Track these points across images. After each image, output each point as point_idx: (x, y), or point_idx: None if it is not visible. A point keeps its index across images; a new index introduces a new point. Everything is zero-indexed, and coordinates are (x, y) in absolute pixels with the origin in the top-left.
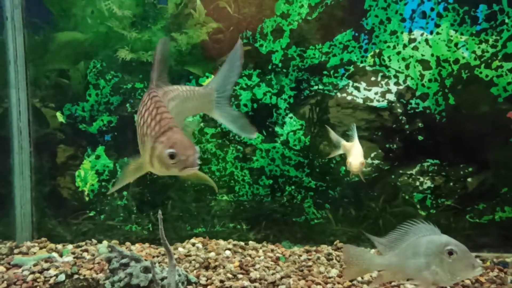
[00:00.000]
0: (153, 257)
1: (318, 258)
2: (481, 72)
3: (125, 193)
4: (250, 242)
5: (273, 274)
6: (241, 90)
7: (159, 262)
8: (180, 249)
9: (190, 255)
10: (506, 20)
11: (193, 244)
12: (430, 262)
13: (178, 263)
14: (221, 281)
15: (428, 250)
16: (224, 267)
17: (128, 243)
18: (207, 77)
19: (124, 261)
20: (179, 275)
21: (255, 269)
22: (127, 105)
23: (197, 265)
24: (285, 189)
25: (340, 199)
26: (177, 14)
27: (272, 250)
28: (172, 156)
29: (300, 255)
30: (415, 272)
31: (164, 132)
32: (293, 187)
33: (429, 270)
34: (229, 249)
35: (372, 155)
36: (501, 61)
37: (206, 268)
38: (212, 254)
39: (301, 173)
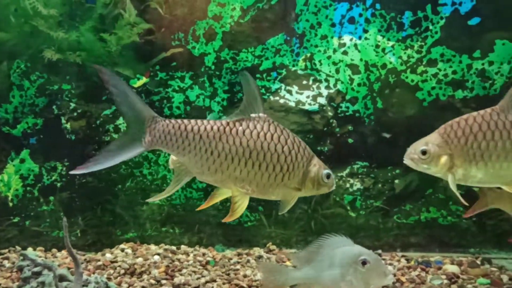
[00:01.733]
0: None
1: (248, 261)
2: (407, 77)
3: (51, 198)
4: (182, 246)
5: (198, 278)
6: (174, 92)
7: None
8: (108, 255)
9: (116, 261)
10: (430, 27)
11: (122, 250)
12: (345, 273)
13: (102, 269)
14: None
15: (343, 261)
16: (149, 273)
17: (54, 250)
18: (138, 79)
19: (36, 269)
20: (97, 283)
21: (181, 274)
22: (54, 107)
23: (122, 272)
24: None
25: (273, 201)
26: (106, 14)
27: (204, 254)
28: (328, 176)
29: (231, 259)
30: (331, 283)
31: (312, 156)
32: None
33: (345, 281)
34: (159, 254)
35: None
36: (426, 67)
37: (132, 274)
38: (140, 260)
39: None
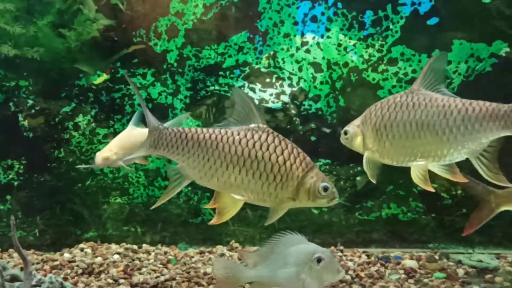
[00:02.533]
0: (33, 264)
1: (210, 259)
2: (368, 76)
3: (8, 197)
4: (144, 245)
5: (157, 277)
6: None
7: (36, 270)
8: (66, 254)
9: (74, 261)
10: (391, 26)
11: (82, 249)
12: (300, 271)
13: (59, 269)
14: (100, 287)
15: (297, 259)
16: (108, 272)
17: (11, 250)
18: (99, 76)
19: None
20: (52, 283)
21: (140, 273)
22: (11, 103)
23: (79, 271)
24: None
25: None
26: (65, 9)
27: (165, 253)
28: (325, 189)
29: (193, 257)
30: (286, 282)
31: (311, 168)
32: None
33: (299, 279)
34: (119, 253)
35: None
36: (387, 65)
37: (90, 274)
38: (99, 259)
39: None
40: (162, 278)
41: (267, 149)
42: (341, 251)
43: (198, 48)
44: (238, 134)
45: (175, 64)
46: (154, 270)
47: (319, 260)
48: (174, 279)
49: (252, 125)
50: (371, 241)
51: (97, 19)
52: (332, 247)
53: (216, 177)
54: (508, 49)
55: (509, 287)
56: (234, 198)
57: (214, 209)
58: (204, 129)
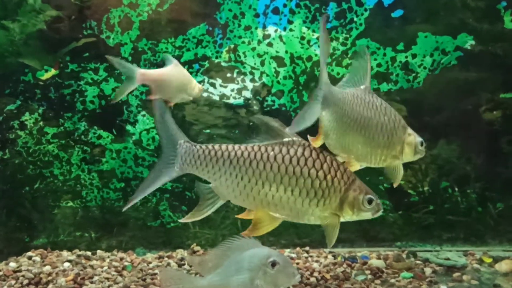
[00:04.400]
0: None
1: (169, 264)
2: (332, 70)
3: None
4: (98, 251)
5: (109, 286)
6: (87, 85)
7: None
8: (12, 264)
9: (20, 271)
10: (355, 19)
11: (30, 258)
12: (254, 276)
13: (3, 281)
14: None
15: (251, 264)
16: (56, 282)
17: None
18: (46, 71)
19: None
20: None
21: (92, 282)
22: None
23: (25, 282)
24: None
25: (197, 200)
26: None
27: (121, 259)
28: (370, 201)
29: (150, 262)
30: None
31: (353, 181)
32: None
33: (253, 285)
34: (70, 261)
35: None
36: (351, 59)
37: (36, 284)
38: (47, 268)
39: None
40: (115, 287)
41: (305, 163)
42: (307, 252)
43: (154, 41)
44: (273, 149)
45: (130, 58)
46: (107, 278)
47: (273, 264)
48: (128, 287)
49: (286, 139)
50: (337, 241)
51: (43, 10)
52: (298, 248)
53: (252, 196)
54: (473, 42)
55: (477, 286)
56: (268, 216)
57: (182, 212)
58: (236, 146)
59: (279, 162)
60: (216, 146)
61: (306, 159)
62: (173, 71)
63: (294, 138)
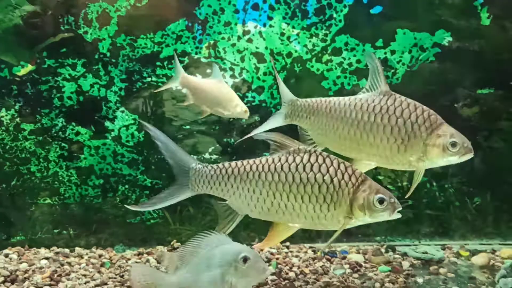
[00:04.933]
0: None
1: (148, 261)
2: (312, 66)
3: None
4: (77, 248)
5: (86, 283)
6: (64, 81)
7: None
8: None
9: None
10: (334, 15)
11: (7, 255)
12: (225, 272)
13: None
14: None
15: (222, 260)
16: (32, 279)
17: None
18: (23, 67)
19: None
20: None
21: (68, 279)
22: None
23: (1, 280)
24: (118, 188)
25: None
26: None
27: (100, 256)
28: (381, 201)
29: (129, 259)
30: (211, 285)
31: (362, 182)
32: (126, 186)
33: (225, 281)
34: (48, 258)
35: (210, 149)
36: (331, 55)
37: (12, 282)
38: (24, 265)
39: (135, 171)
40: (92, 284)
41: (311, 169)
42: (287, 247)
43: (133, 37)
44: (279, 159)
45: (108, 54)
46: (84, 275)
47: (245, 259)
48: (106, 284)
49: (292, 148)
50: (318, 237)
51: (19, 4)
52: (278, 243)
53: (266, 208)
54: (450, 39)
55: (453, 278)
56: (284, 226)
57: (162, 209)
58: (245, 161)
59: (286, 171)
60: (226, 164)
61: (312, 164)
62: (215, 84)
63: (300, 146)
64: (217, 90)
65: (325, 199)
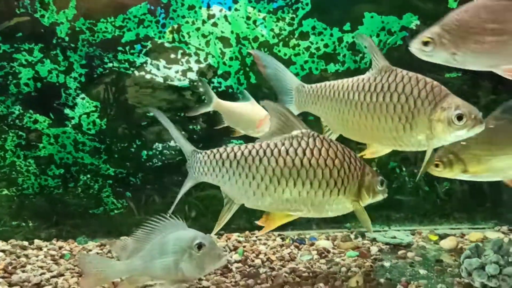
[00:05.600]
0: None
1: (109, 251)
2: (279, 51)
3: None
4: (36, 240)
5: (42, 274)
6: (21, 67)
7: None
8: None
9: None
10: None
11: None
12: (179, 259)
13: None
14: None
15: (176, 247)
16: None
17: None
18: None
19: None
20: None
21: (23, 271)
22: None
23: None
24: (79, 178)
25: (142, 186)
26: None
27: (60, 248)
28: (382, 182)
29: (91, 250)
30: (163, 273)
31: (364, 165)
32: (88, 175)
33: (178, 268)
34: (4, 251)
35: None
36: (298, 40)
37: None
38: None
39: (97, 159)
40: (48, 275)
41: (320, 154)
42: (256, 235)
43: (93, 21)
44: (283, 144)
45: (67, 39)
46: (41, 267)
47: (199, 246)
48: (63, 275)
49: (295, 132)
50: (287, 224)
51: None
52: (247, 232)
53: (267, 195)
54: (418, 22)
55: (420, 262)
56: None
57: (126, 199)
58: (243, 146)
59: (293, 155)
60: (221, 149)
61: (319, 149)
62: (247, 106)
63: (303, 130)
64: (249, 113)
65: (336, 184)
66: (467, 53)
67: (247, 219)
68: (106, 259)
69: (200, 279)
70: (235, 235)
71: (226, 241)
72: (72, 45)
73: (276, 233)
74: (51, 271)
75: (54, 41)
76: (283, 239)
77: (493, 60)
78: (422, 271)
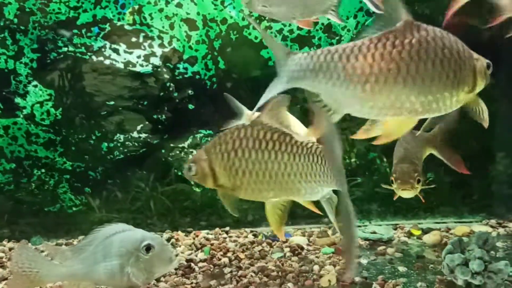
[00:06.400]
0: None
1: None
2: (250, 34)
3: None
4: None
5: None
6: None
7: None
8: None
9: None
10: None
11: None
12: (125, 263)
13: None
14: None
15: (121, 249)
16: None
17: None
18: None
19: None
20: None
21: None
22: None
23: None
24: (33, 173)
25: (103, 180)
26: None
27: (11, 249)
28: (489, 66)
29: (43, 251)
30: (107, 277)
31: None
32: (43, 170)
33: (124, 272)
34: None
35: (139, 127)
36: (270, 22)
37: None
38: None
39: (52, 152)
40: None
41: (434, 41)
42: (227, 232)
43: (44, 1)
44: (388, 38)
45: (16, 20)
46: None
47: (148, 248)
48: (6, 279)
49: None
50: (261, 220)
51: None
52: (217, 229)
53: (380, 94)
54: None
55: (400, 258)
56: None
57: (85, 194)
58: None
59: (408, 47)
60: (318, 50)
61: (433, 37)
62: None
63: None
64: None
65: (453, 74)
66: (273, 6)
67: (217, 216)
68: (46, 259)
69: (157, 280)
70: (203, 233)
71: (194, 238)
72: (22, 27)
73: (248, 230)
74: None
75: (2, 23)
76: (255, 235)
77: (292, 13)
78: (402, 268)
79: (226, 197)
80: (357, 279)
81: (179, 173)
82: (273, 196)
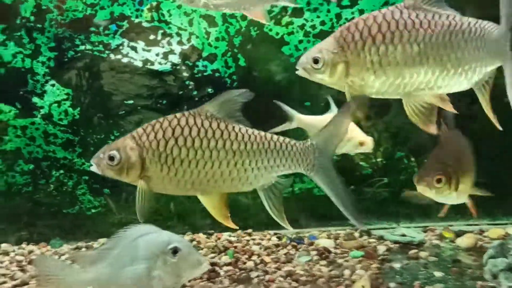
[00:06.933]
0: None
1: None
2: (271, 30)
3: None
4: (3, 245)
5: (3, 283)
6: None
7: None
8: None
9: None
10: None
11: None
12: (152, 266)
13: None
14: None
15: (147, 252)
16: None
17: None
18: None
19: None
20: None
21: None
22: None
23: None
24: (51, 174)
25: (122, 182)
26: None
27: (30, 252)
28: None
29: (63, 254)
30: (134, 282)
31: None
32: (61, 171)
33: (151, 276)
34: None
35: None
36: (291, 17)
37: None
38: None
39: (71, 153)
40: (9, 284)
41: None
42: (249, 234)
43: None
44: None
45: (32, 18)
46: (4, 275)
47: (175, 251)
48: (27, 283)
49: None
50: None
51: None
52: (239, 231)
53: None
54: None
55: (435, 262)
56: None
57: (104, 196)
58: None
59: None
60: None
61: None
62: (327, 119)
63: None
64: None
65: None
66: None
67: (239, 218)
68: (69, 265)
69: (183, 285)
70: (225, 235)
71: (216, 241)
72: (39, 25)
73: (272, 232)
74: (15, 279)
75: (18, 21)
76: (279, 238)
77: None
78: (438, 273)
79: (145, 193)
80: (392, 284)
81: None
82: (211, 188)
